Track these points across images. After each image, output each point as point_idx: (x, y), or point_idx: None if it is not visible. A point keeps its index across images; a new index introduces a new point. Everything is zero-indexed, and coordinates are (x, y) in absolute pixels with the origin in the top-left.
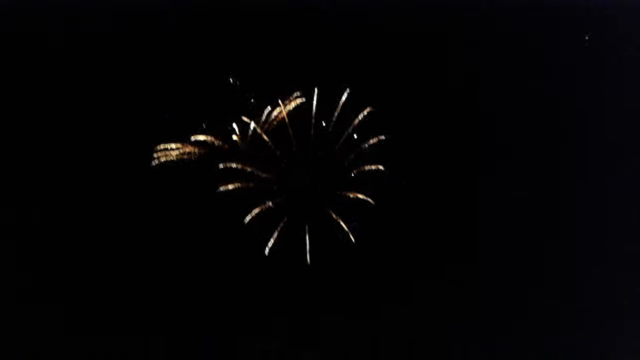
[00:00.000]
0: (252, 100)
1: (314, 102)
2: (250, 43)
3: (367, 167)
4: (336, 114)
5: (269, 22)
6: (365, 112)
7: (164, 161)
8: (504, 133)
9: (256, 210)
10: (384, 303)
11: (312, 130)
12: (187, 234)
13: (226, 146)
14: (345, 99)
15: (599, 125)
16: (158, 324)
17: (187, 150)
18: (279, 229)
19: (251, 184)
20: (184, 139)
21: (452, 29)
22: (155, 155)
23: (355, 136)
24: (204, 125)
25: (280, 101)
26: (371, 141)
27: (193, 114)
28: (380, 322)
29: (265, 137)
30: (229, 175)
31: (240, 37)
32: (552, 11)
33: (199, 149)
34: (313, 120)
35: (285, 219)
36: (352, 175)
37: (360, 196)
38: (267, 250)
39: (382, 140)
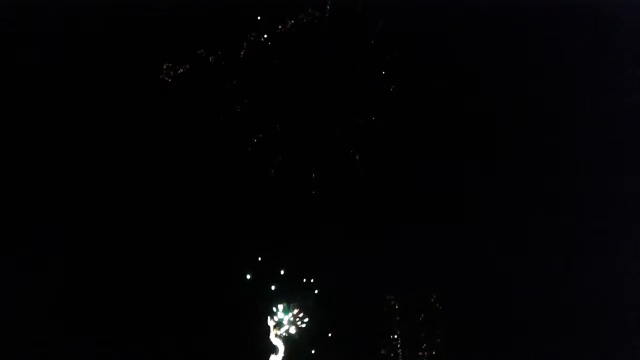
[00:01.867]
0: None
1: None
2: None
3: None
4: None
5: None
6: (378, 27)
7: (170, 79)
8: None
9: (261, 136)
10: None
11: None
12: (191, 155)
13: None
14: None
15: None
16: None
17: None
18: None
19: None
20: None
21: None
22: (162, 73)
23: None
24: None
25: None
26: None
27: (198, 32)
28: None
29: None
30: (237, 95)
31: None
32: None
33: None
34: (326, 32)
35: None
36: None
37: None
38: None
39: (396, 56)
